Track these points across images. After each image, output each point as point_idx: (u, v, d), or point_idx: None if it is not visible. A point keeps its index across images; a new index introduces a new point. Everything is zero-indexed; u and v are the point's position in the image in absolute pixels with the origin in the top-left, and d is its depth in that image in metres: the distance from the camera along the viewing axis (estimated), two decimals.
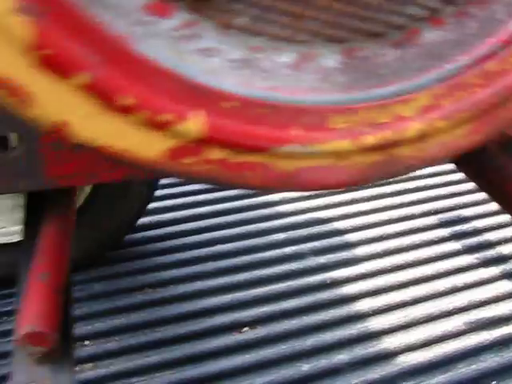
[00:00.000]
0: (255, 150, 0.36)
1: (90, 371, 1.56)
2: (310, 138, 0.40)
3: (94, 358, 1.59)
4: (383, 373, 1.54)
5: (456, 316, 1.72)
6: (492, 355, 1.60)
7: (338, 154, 0.42)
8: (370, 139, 0.43)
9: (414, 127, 0.47)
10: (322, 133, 0.41)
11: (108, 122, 0.34)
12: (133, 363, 1.57)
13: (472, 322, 1.69)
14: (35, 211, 0.88)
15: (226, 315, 1.68)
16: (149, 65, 0.34)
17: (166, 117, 0.35)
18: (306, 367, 1.55)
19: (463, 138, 0.48)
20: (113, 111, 0.33)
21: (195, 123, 0.35)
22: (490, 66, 0.50)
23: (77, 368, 1.56)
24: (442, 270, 1.86)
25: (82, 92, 0.32)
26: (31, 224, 0.85)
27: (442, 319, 1.70)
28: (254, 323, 1.67)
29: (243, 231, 1.98)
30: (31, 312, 0.68)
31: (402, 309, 1.74)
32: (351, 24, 0.43)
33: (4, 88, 0.31)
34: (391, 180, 2.24)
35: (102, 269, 1.83)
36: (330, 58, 0.41)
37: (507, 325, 1.69)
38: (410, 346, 1.61)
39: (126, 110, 0.34)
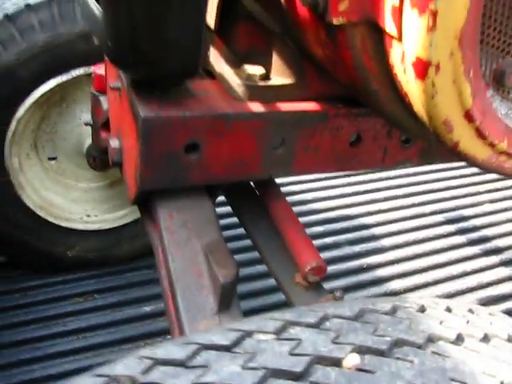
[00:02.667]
0: None
1: None
2: None
3: None
4: None
5: (469, 294, 2.21)
6: None
7: None
8: None
9: None
10: None
11: (475, 143, 0.77)
12: None
13: (482, 299, 2.19)
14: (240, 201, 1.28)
15: None
16: (496, 117, 0.76)
17: (495, 141, 0.78)
18: None
19: None
20: (480, 139, 0.76)
21: (506, 144, 0.78)
22: None
23: None
24: (453, 258, 2.36)
25: (472, 130, 0.74)
26: (252, 208, 1.24)
27: (459, 296, 2.20)
28: None
29: None
30: (308, 254, 1.08)
31: (426, 288, 2.22)
32: None
33: (446, 125, 0.73)
34: (403, 184, 2.74)
35: None
36: None
37: (509, 301, 2.21)
38: None
39: (484, 138, 0.76)
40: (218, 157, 1.05)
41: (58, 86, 1.78)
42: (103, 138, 1.72)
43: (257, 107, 1.04)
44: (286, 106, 1.07)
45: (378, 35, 0.74)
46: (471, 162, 0.84)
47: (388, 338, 0.52)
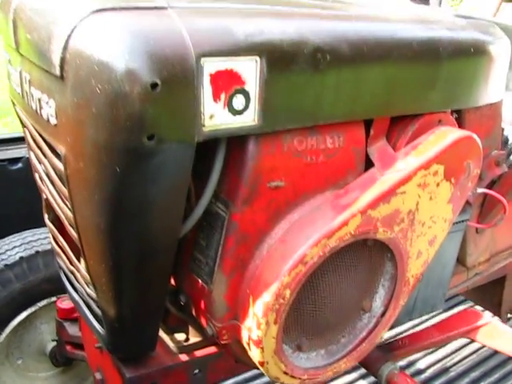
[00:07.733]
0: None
1: None
2: None
3: None
4: None
5: None
6: None
7: None
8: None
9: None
10: None
11: (292, 380, 1.85)
12: None
13: None
14: None
15: None
16: (298, 366, 1.87)
17: (300, 376, 1.88)
18: None
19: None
20: (293, 378, 1.86)
21: (306, 376, 1.88)
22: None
23: None
24: None
25: (288, 376, 1.84)
26: None
27: None
28: None
29: None
30: None
31: None
32: None
33: (276, 378, 1.83)
34: None
35: None
36: None
37: None
38: None
39: (294, 377, 1.86)
40: None
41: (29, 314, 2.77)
42: (68, 350, 2.72)
43: (184, 357, 2.12)
44: (198, 353, 2.15)
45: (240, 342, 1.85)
46: None
47: None
